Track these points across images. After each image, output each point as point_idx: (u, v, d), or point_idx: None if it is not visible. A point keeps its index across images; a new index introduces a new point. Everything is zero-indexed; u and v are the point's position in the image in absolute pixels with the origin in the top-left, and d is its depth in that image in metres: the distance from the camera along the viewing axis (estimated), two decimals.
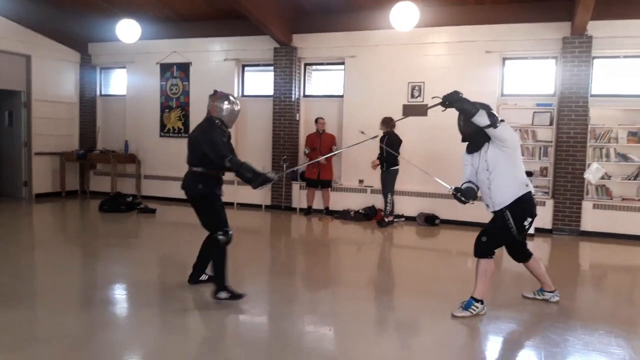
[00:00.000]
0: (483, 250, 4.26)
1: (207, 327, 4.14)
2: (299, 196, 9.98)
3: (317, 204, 9.77)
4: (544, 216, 8.43)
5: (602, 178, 8.25)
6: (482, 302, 4.28)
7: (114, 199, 9.62)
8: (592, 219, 8.31)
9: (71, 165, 11.36)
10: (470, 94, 8.75)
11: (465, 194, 4.30)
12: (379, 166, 8.73)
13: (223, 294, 4.47)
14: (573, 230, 8.36)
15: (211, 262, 4.62)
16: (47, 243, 7.22)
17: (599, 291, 5.66)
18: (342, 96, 9.83)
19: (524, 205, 4.21)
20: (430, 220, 8.95)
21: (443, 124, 8.75)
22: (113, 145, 11.50)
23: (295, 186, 10.03)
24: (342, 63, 9.77)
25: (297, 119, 10.05)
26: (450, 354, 3.71)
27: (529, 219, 4.25)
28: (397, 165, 8.66)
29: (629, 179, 8.27)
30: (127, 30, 9.20)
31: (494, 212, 4.29)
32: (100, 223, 8.68)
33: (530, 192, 4.24)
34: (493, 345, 3.96)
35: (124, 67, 11.50)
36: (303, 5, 9.46)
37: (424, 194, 9.19)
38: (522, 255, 4.62)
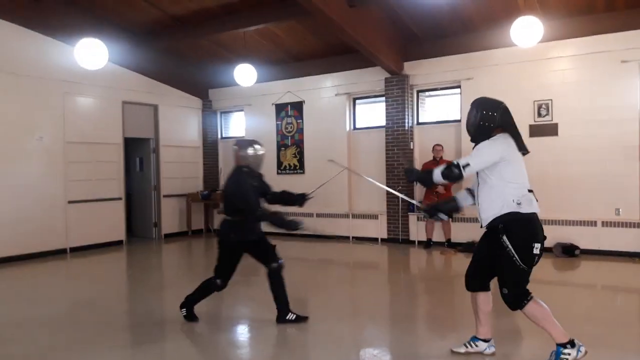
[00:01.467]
0: (511, 300, 3.64)
1: None
2: (417, 228, 9.55)
3: (438, 236, 9.26)
4: None
5: None
6: (571, 343, 3.55)
7: None
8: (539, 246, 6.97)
9: (196, 206, 11.94)
10: (607, 109, 8.06)
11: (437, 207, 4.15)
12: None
13: (291, 316, 4.81)
14: None
15: (273, 288, 4.82)
16: (178, 282, 7.44)
17: None
18: (459, 121, 9.36)
19: (520, 229, 3.58)
20: (568, 251, 8.06)
21: (579, 145, 8.09)
22: None
23: (413, 217, 9.62)
24: (458, 86, 9.35)
25: (411, 147, 9.73)
26: None
27: (536, 245, 3.57)
28: None
29: None
30: (244, 74, 9.57)
31: (489, 233, 3.78)
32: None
33: (525, 213, 3.59)
34: None
35: (242, 110, 12.01)
36: (413, 32, 9.25)
37: (561, 222, 8.34)
38: (481, 283, 3.87)
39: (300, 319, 4.81)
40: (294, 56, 10.70)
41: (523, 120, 8.61)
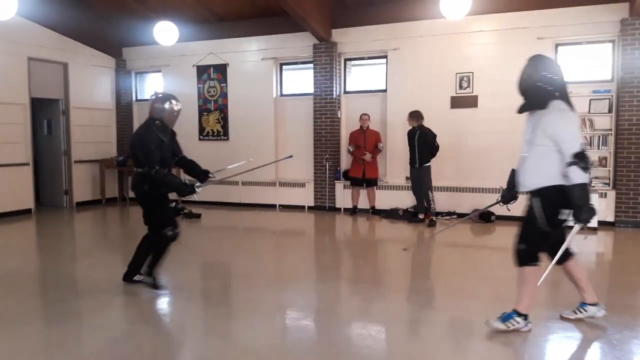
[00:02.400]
0: (522, 257, 3.69)
1: (251, 333, 3.86)
2: (343, 196, 9.71)
3: (363, 204, 9.49)
4: (605, 208, 8.04)
5: None
6: (525, 317, 3.69)
7: None
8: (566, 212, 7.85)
9: (110, 172, 11.29)
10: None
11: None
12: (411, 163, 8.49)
13: (148, 279, 4.77)
14: (638, 222, 7.93)
15: (140, 248, 4.80)
16: (93, 253, 7.05)
17: None
18: (385, 90, 9.53)
19: (547, 193, 3.55)
20: (485, 217, 8.60)
21: (497, 117, 8.52)
22: None
23: (339, 185, 9.76)
24: (385, 57, 9.47)
25: (339, 116, 9.78)
26: None
27: (565, 211, 3.53)
28: (430, 162, 8.34)
29: None
30: (165, 33, 9.06)
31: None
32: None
33: (556, 186, 3.53)
34: None
35: (160, 71, 11.38)
36: None
37: (478, 190, 8.85)
38: (535, 254, 3.72)
39: (156, 286, 4.76)
40: (218, 16, 10.24)
41: (445, 92, 9.00)
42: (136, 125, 11.74)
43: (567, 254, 3.83)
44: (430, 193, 8.43)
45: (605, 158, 8.29)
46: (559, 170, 3.52)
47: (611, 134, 8.19)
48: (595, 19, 8.06)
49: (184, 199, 4.81)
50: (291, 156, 7.60)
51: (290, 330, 4.03)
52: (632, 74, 7.82)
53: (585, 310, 3.92)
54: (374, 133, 9.25)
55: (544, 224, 3.58)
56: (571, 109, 3.63)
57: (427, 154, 8.29)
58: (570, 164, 3.41)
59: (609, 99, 8.17)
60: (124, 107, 11.66)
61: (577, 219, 3.46)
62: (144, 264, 4.85)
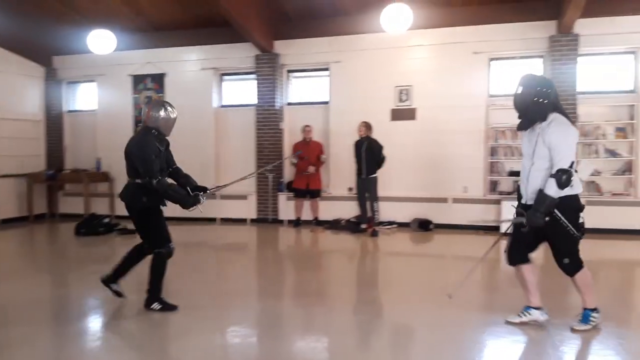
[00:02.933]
0: (571, 268, 3.85)
1: (193, 353, 3.67)
2: (286, 207, 9.64)
3: (306, 215, 9.45)
4: None
5: (592, 174, 8.34)
6: (597, 309, 3.92)
7: (90, 221, 9.01)
8: (584, 215, 8.31)
9: (38, 188, 10.65)
10: (459, 96, 8.83)
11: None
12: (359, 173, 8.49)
13: (157, 305, 4.45)
14: None
15: (150, 274, 4.48)
16: (19, 275, 6.44)
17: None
18: (327, 103, 9.59)
19: (569, 203, 3.76)
20: (424, 226, 8.78)
21: (435, 129, 8.76)
22: (83, 164, 10.84)
23: (282, 197, 9.68)
24: (327, 69, 9.55)
25: (281, 127, 9.74)
26: None
27: (580, 213, 3.82)
28: (376, 173, 8.45)
29: (618, 174, 8.37)
30: (100, 41, 8.71)
31: (525, 209, 3.87)
32: (77, 248, 8.05)
33: (575, 195, 3.81)
34: None
35: (94, 81, 10.91)
36: (285, 11, 9.20)
37: (417, 199, 9.04)
38: (520, 256, 4.04)
39: (169, 308, 4.48)
40: (156, 25, 9.97)
41: (386, 104, 9.18)
42: (67, 137, 11.22)
43: (526, 259, 4.04)
44: (376, 204, 8.52)
45: None
46: None
47: None
48: (526, 35, 8.51)
49: (188, 210, 4.55)
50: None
51: (233, 349, 3.84)
52: (559, 87, 8.11)
53: (530, 314, 4.09)
54: (317, 144, 9.26)
55: (574, 231, 3.76)
56: (571, 123, 3.80)
57: (374, 165, 8.36)
58: (553, 176, 3.63)
59: None
60: (53, 119, 11.08)
61: (527, 219, 3.74)
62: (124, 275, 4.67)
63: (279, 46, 9.64)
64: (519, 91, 3.85)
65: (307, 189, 9.22)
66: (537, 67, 8.70)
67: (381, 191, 8.66)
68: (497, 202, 8.55)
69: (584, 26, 8.11)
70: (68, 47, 10.48)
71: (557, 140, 3.66)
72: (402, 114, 9.15)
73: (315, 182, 9.21)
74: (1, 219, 9.99)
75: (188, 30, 9.89)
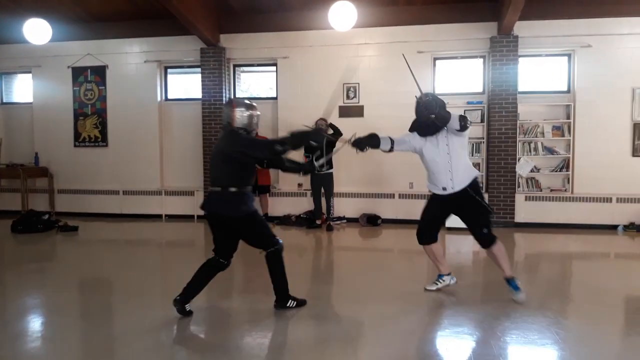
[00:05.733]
0: (488, 239, 4.55)
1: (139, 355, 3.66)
2: None
3: None
4: None
5: (532, 171, 8.69)
6: (514, 278, 4.60)
7: (28, 217, 8.63)
8: (524, 210, 8.68)
9: None
10: (404, 94, 8.92)
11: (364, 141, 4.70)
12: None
13: (292, 303, 4.44)
14: (508, 222, 8.68)
15: (274, 274, 4.40)
16: None
17: (532, 281, 5.76)
18: (275, 98, 9.53)
19: (477, 185, 4.65)
20: (372, 221, 8.90)
21: (381, 126, 8.81)
22: (20, 158, 10.35)
23: None
24: (275, 64, 9.47)
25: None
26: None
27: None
28: (333, 168, 8.50)
29: (556, 171, 8.73)
30: (36, 30, 8.29)
31: (453, 197, 4.58)
32: (15, 246, 7.73)
33: (477, 179, 4.71)
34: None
35: (29, 72, 10.41)
36: (231, 4, 9.05)
37: (365, 195, 9.16)
38: (430, 236, 4.81)
39: (301, 303, 4.50)
40: (96, 15, 9.60)
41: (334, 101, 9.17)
42: (3, 130, 10.65)
43: (435, 239, 4.83)
44: (332, 199, 8.57)
45: (479, 163, 8.96)
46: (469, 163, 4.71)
47: (484, 142, 8.89)
48: (468, 36, 8.72)
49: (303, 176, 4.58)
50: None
51: (182, 346, 3.83)
52: (500, 87, 8.56)
53: (443, 281, 4.93)
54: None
55: (487, 205, 4.62)
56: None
57: (330, 160, 8.36)
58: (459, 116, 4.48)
59: (481, 109, 8.87)
60: None
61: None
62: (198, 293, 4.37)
63: (225, 40, 9.49)
64: (423, 109, 4.54)
65: (256, 185, 9.13)
66: (478, 67, 8.95)
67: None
68: None
69: (523, 28, 8.39)
70: (3, 36, 9.95)
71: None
72: (350, 111, 9.20)
73: (263, 178, 9.15)
74: None
75: (131, 22, 9.58)
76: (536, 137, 8.70)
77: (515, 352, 3.63)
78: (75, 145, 10.24)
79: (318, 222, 8.65)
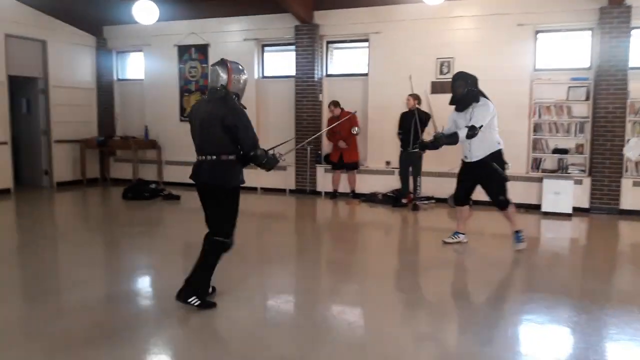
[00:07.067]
0: (504, 203, 5.62)
1: (228, 319, 3.86)
2: (324, 179, 9.75)
3: (343, 187, 9.54)
4: (581, 195, 8.16)
5: None
6: (521, 230, 5.76)
7: (137, 186, 9.48)
8: (632, 197, 8.00)
9: (91, 153, 11.22)
10: (502, 69, 8.53)
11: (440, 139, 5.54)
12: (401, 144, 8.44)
13: (195, 300, 3.88)
14: (612, 209, 8.06)
15: (200, 263, 3.94)
16: (73, 233, 7.02)
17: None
18: (366, 75, 9.51)
19: (499, 157, 5.56)
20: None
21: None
22: (133, 131, 11.32)
23: (320, 169, 9.79)
24: (367, 40, 9.42)
25: (320, 99, 9.76)
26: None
27: (506, 165, 5.60)
28: None
29: None
30: (145, 11, 8.92)
31: (472, 165, 5.60)
32: (125, 211, 8.55)
33: (501, 149, 5.58)
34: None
35: (141, 50, 11.26)
36: None
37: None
38: (461, 199, 5.94)
39: (207, 306, 3.95)
40: None
41: (426, 76, 8.98)
42: (118, 105, 11.66)
43: (467, 202, 5.98)
44: (419, 178, 8.48)
45: (582, 145, 8.38)
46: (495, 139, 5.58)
47: (588, 122, 8.27)
48: (575, 7, 8.07)
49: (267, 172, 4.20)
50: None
51: (276, 313, 4.10)
52: (609, 62, 7.87)
53: (458, 237, 6.00)
54: (348, 119, 9.02)
55: (504, 175, 5.56)
56: (489, 101, 5.54)
57: (418, 136, 8.20)
58: (467, 127, 5.37)
59: (587, 86, 8.23)
60: (105, 87, 11.55)
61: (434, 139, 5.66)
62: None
63: (319, 17, 9.57)
64: (456, 86, 5.58)
65: (342, 162, 9.27)
66: (585, 40, 8.28)
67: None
68: (540, 179, 8.32)
69: None
70: (117, 18, 10.77)
71: (478, 111, 5.43)
72: (443, 87, 8.90)
73: (349, 155, 9.22)
74: (57, 181, 10.65)
75: (230, 1, 9.94)
76: None
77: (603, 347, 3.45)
78: (181, 120, 10.95)
79: (404, 200, 8.60)
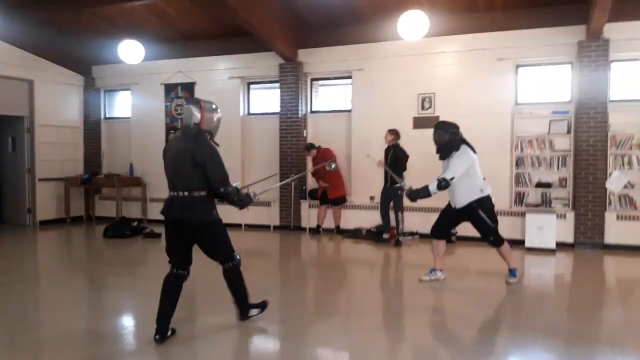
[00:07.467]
0: (496, 243, 5.64)
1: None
2: (309, 215, 9.65)
3: (328, 223, 9.42)
4: (565, 229, 8.05)
5: (625, 187, 7.90)
6: (516, 268, 5.80)
7: (118, 224, 9.36)
8: (616, 231, 7.89)
9: (76, 191, 11.15)
10: (484, 104, 8.56)
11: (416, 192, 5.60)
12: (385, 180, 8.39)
13: (254, 311, 4.44)
14: (596, 243, 7.94)
15: (233, 287, 4.30)
16: (51, 274, 6.81)
17: (629, 310, 5.22)
18: (350, 111, 9.55)
19: (485, 203, 5.48)
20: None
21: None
22: (118, 169, 11.29)
23: (305, 205, 9.70)
24: (349, 77, 9.51)
25: (305, 135, 9.77)
26: None
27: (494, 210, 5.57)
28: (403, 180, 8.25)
29: None
30: (131, 51, 9.04)
31: (458, 210, 5.56)
32: (104, 250, 8.41)
33: (487, 195, 5.50)
34: None
35: (128, 89, 11.35)
36: (308, 20, 9.25)
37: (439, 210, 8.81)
38: (442, 234, 5.88)
39: (263, 307, 4.50)
40: (185, 35, 10.26)
41: (408, 112, 9.03)
42: (104, 143, 11.66)
43: (447, 236, 6.21)
44: (400, 213, 8.38)
45: (565, 178, 8.32)
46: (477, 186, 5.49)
47: (570, 155, 8.24)
48: (554, 41, 8.16)
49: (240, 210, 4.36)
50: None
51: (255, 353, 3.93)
52: (589, 95, 7.90)
53: (435, 274, 5.85)
54: (323, 155, 8.99)
55: (490, 223, 5.50)
56: (472, 150, 5.50)
57: (400, 173, 8.13)
58: (438, 179, 5.41)
59: (568, 120, 8.24)
60: (92, 125, 11.59)
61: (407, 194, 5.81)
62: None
63: (303, 55, 9.69)
64: (437, 135, 5.58)
65: (327, 198, 9.19)
66: (565, 74, 8.35)
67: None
68: (523, 214, 8.22)
69: (614, 30, 7.70)
70: (105, 57, 10.93)
71: (453, 162, 5.41)
72: (425, 122, 8.91)
73: (331, 191, 9.14)
74: (40, 219, 10.53)
75: (216, 40, 10.10)
76: (630, 149, 7.90)
77: None
78: None
79: (385, 236, 8.48)
